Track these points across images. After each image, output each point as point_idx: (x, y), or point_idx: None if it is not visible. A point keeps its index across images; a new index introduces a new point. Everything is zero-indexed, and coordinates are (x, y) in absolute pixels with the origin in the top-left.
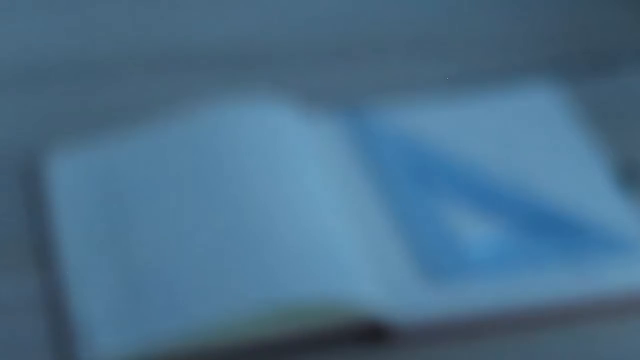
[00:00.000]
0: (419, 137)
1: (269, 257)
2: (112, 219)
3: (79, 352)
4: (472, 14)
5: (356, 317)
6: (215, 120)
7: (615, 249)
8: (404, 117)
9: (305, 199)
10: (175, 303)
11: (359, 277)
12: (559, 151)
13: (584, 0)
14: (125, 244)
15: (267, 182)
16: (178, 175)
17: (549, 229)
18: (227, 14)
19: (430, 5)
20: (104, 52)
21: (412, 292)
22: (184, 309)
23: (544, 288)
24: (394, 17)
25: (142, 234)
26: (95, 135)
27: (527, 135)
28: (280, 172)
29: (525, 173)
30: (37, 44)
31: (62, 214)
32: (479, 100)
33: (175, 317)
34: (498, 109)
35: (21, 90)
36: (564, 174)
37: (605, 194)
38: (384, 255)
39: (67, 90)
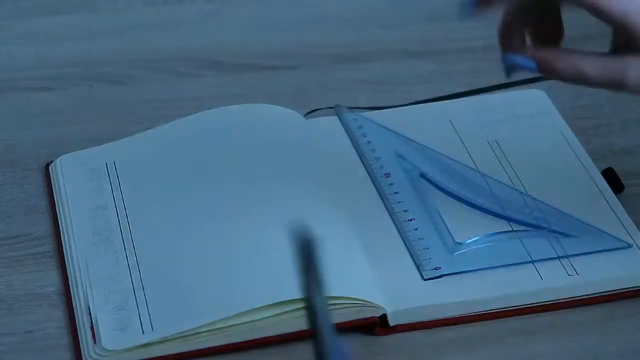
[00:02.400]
0: (412, 138)
1: (269, 257)
2: (116, 215)
3: (84, 347)
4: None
5: (356, 309)
6: (218, 119)
7: (604, 247)
8: (399, 117)
9: (308, 196)
10: (179, 299)
11: (359, 273)
12: (550, 151)
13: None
14: (129, 241)
15: (270, 180)
16: (183, 173)
17: (540, 226)
18: (226, 18)
19: (428, 11)
20: (113, 54)
21: (409, 285)
22: (189, 305)
23: (535, 284)
24: (391, 21)
25: (146, 230)
26: (103, 133)
27: (518, 135)
28: (283, 171)
29: (516, 173)
30: (50, 47)
31: (70, 210)
32: (472, 101)
33: (179, 313)
34: (491, 110)
35: (34, 90)
36: (554, 174)
37: (593, 194)
38: (383, 250)
39: (79, 90)
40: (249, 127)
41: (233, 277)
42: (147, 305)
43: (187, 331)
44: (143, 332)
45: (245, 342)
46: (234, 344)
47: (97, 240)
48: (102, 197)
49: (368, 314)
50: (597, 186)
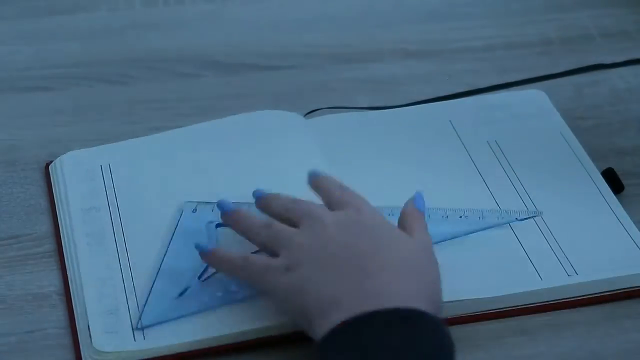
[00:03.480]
0: (412, 138)
1: None
2: (110, 218)
3: (83, 347)
4: (468, 19)
5: None
6: (220, 128)
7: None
8: (399, 117)
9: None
10: (176, 300)
11: None
12: (549, 151)
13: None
14: (122, 244)
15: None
16: (181, 180)
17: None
18: (226, 18)
19: (428, 11)
20: (113, 54)
21: None
22: (185, 305)
23: (534, 284)
24: (390, 22)
25: (140, 235)
26: (103, 133)
27: (518, 136)
28: (281, 179)
29: (516, 173)
30: (50, 47)
31: (70, 210)
32: (472, 101)
33: (171, 324)
34: (491, 110)
35: (34, 90)
36: (554, 174)
37: (593, 194)
38: None
39: (79, 90)
40: (249, 135)
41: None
42: (139, 312)
43: (178, 345)
44: (135, 340)
45: (245, 342)
46: (233, 344)
47: (89, 241)
48: (96, 198)
49: None
50: (596, 186)
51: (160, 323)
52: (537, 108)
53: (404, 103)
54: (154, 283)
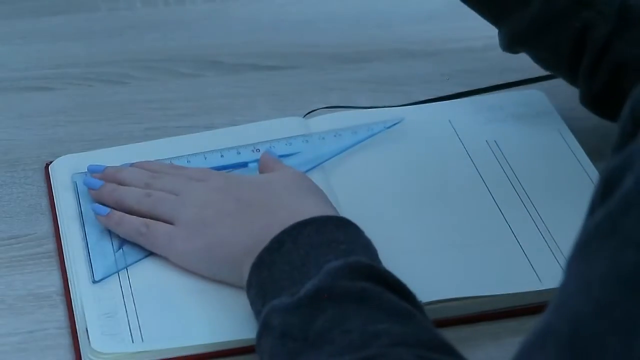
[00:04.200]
0: (412, 138)
1: None
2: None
3: (83, 347)
4: (468, 19)
5: None
6: (221, 139)
7: None
8: (399, 117)
9: None
10: (170, 314)
11: None
12: (548, 151)
13: None
14: (118, 247)
15: None
16: None
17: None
18: (226, 18)
19: (428, 11)
20: (113, 54)
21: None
22: (180, 322)
23: (533, 285)
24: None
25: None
26: (103, 133)
27: (517, 136)
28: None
29: (515, 173)
30: (50, 47)
31: (70, 211)
32: (471, 102)
33: (170, 329)
34: (490, 110)
35: (34, 90)
36: (553, 174)
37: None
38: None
39: (79, 90)
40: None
41: (225, 300)
42: (137, 316)
43: (177, 348)
44: (133, 342)
45: (244, 348)
46: (233, 349)
47: (84, 244)
48: (91, 202)
49: None
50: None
51: (111, 274)
52: (537, 108)
53: (404, 103)
54: (88, 249)
